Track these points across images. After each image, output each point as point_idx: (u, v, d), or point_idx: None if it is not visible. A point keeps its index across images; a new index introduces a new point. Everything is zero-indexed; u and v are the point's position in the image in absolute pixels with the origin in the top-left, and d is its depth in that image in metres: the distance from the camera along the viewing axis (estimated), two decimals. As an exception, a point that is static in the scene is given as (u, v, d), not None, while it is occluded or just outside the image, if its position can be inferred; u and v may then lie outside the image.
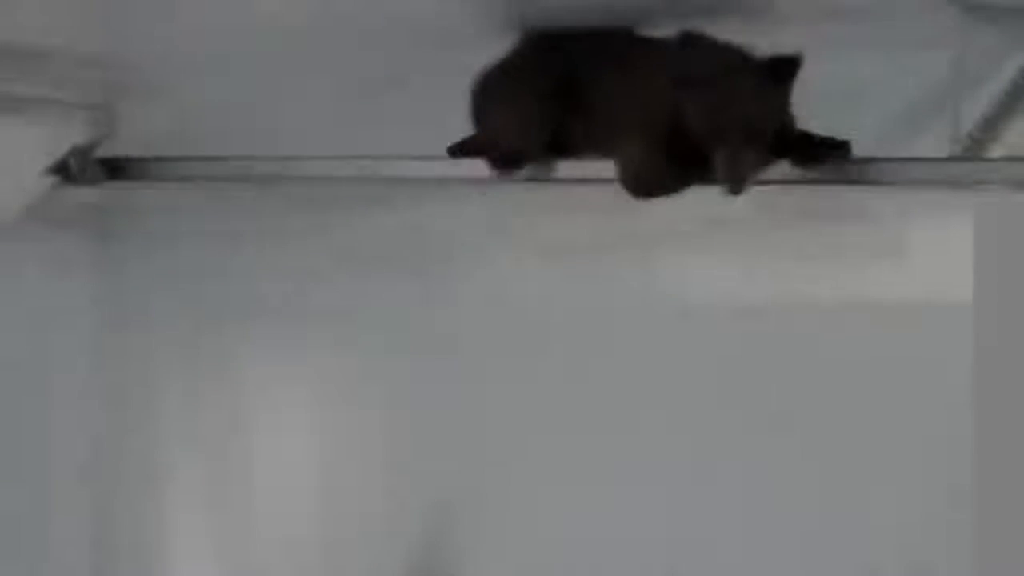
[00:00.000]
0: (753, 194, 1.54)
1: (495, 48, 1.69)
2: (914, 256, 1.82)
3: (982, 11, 1.55)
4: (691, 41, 1.55)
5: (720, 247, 1.92)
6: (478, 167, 1.70)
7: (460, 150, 1.73)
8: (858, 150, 1.55)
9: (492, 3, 1.57)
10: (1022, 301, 1.74)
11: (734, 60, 1.53)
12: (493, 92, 1.70)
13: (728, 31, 1.63)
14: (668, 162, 1.53)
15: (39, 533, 2.18)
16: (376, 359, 2.13)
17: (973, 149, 1.59)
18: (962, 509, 1.74)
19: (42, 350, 2.18)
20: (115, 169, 1.98)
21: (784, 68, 1.52)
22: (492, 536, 2.09)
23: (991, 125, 1.62)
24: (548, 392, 2.01)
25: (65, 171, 1.99)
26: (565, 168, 1.66)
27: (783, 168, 1.58)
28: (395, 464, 2.16)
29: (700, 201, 1.62)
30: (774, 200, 1.80)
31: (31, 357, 2.16)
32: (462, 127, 1.72)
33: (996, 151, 1.61)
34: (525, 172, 1.68)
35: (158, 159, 1.97)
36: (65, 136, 2.00)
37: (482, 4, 1.57)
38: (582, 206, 1.84)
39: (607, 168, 1.60)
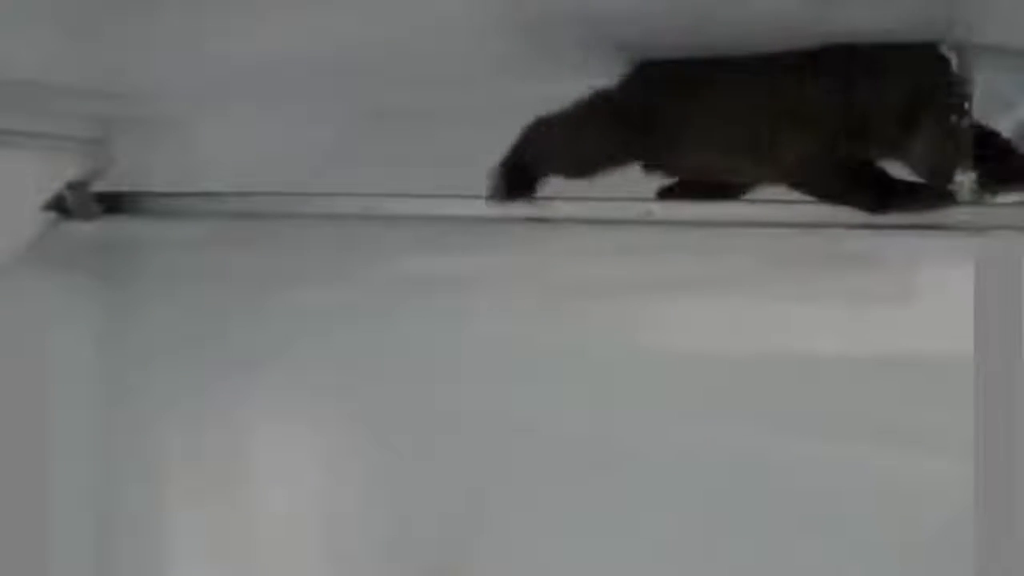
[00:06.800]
0: (753, 237, 1.53)
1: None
2: (920, 301, 1.82)
3: (988, 54, 1.55)
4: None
5: (721, 292, 1.91)
6: (481, 206, 1.70)
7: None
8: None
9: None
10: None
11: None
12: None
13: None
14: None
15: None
16: (379, 403, 2.12)
17: (979, 193, 1.59)
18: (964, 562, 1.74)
19: (42, 386, 2.16)
20: (112, 204, 1.97)
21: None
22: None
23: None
24: (549, 440, 2.00)
25: (62, 206, 1.98)
26: (566, 208, 1.66)
27: (787, 210, 1.57)
28: (397, 510, 2.14)
29: (701, 244, 1.62)
30: (775, 243, 1.79)
31: (31, 394, 2.14)
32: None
33: (1003, 196, 1.61)
34: (527, 209, 1.68)
35: (155, 194, 1.96)
36: (61, 171, 1.99)
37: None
38: (586, 248, 1.84)
39: (619, 209, 1.60)
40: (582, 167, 1.63)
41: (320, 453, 2.20)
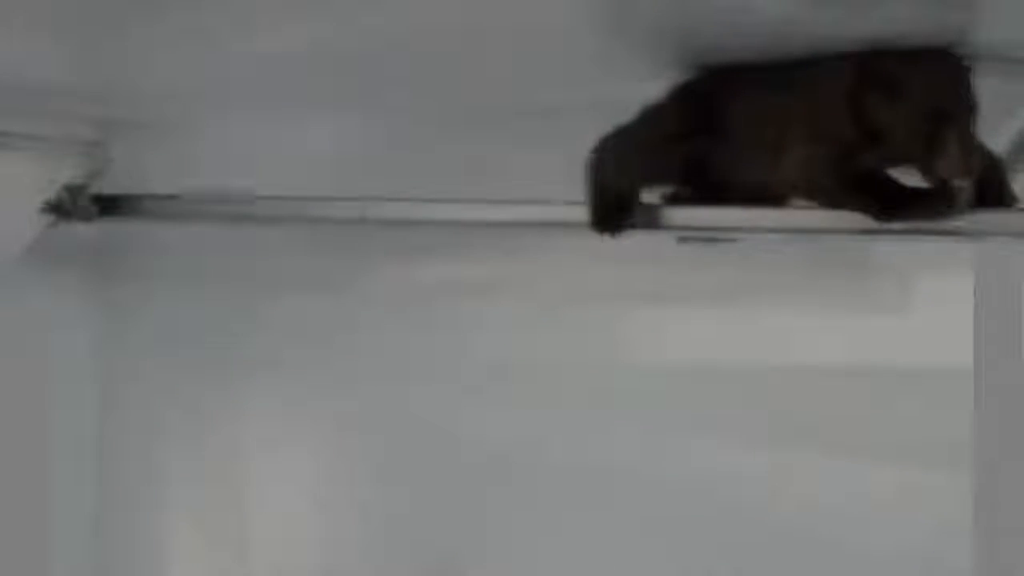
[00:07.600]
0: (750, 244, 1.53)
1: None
2: (918, 308, 1.82)
3: (988, 62, 1.55)
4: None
5: (717, 301, 1.91)
6: (480, 210, 1.69)
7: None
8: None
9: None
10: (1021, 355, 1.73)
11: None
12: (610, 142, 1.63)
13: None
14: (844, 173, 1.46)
15: None
16: (377, 409, 2.12)
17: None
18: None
19: (40, 387, 2.16)
20: (110, 206, 1.97)
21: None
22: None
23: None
24: (547, 444, 2.00)
25: (60, 208, 1.98)
26: (570, 213, 1.65)
27: (784, 216, 1.57)
28: (396, 512, 2.15)
29: (697, 251, 1.62)
30: (772, 251, 1.79)
31: (30, 395, 2.14)
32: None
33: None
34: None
35: (153, 197, 1.95)
36: (59, 173, 1.99)
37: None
38: (585, 255, 1.83)
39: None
40: (658, 157, 1.59)
41: (319, 455, 2.20)
